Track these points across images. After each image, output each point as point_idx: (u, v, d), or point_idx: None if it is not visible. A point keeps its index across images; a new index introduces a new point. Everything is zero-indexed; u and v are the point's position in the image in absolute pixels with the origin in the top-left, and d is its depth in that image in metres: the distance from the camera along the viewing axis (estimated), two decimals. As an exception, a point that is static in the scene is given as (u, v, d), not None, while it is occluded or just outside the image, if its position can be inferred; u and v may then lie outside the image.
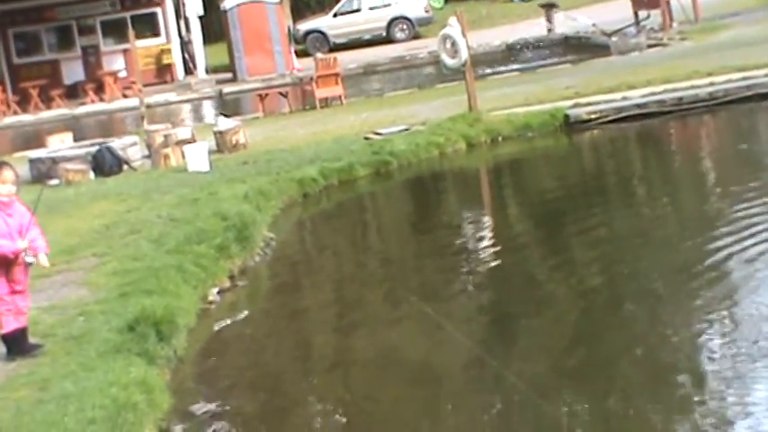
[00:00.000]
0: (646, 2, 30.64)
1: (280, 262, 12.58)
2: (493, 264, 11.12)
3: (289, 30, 37.91)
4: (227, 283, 11.19)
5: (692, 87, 18.65)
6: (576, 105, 18.60)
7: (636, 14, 31.09)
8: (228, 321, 10.16)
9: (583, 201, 13.63)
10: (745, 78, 18.54)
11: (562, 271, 10.62)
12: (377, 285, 11.28)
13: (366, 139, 18.44)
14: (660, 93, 18.69)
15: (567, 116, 18.16)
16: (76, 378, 7.75)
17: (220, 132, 19.55)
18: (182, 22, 39.01)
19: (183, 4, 37.36)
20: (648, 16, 30.47)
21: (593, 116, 18.09)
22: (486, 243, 12.24)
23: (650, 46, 27.27)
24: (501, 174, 17.09)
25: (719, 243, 10.21)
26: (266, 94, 27.07)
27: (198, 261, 11.01)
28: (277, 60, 35.45)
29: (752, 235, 10.24)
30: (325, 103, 25.05)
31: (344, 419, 7.43)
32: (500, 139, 17.89)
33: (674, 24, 29.76)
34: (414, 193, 16.45)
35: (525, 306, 9.61)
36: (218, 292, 10.91)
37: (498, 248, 11.78)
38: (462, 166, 17.42)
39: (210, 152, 18.08)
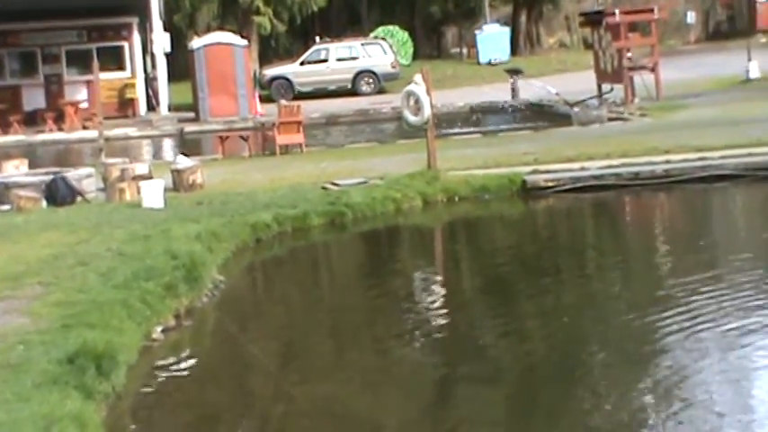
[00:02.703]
0: (609, 75, 31.07)
1: (227, 305, 12.49)
2: (440, 323, 11.13)
3: (255, 74, 38.07)
4: (172, 322, 11.08)
5: (649, 163, 18.85)
6: (534, 172, 18.73)
7: (599, 87, 31.50)
8: (170, 361, 10.05)
9: (533, 267, 13.68)
10: (701, 159, 18.77)
11: (507, 337, 10.62)
12: (323, 335, 11.23)
13: (323, 188, 18.44)
14: (617, 166, 18.87)
15: (524, 182, 18.27)
16: (9, 408, 7.62)
17: (178, 171, 19.47)
18: (148, 58, 39.02)
19: (151, 41, 37.35)
20: (611, 89, 30.88)
21: (550, 183, 18.21)
22: (435, 302, 12.25)
23: (611, 119, 27.59)
24: (455, 234, 17.14)
25: (665, 320, 10.26)
26: (227, 137, 27.03)
27: (144, 298, 10.90)
28: (240, 103, 35.50)
29: (699, 315, 10.31)
30: (286, 150, 25.06)
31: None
32: (457, 199, 17.95)
33: (636, 100, 30.17)
34: (367, 246, 16.44)
35: (468, 369, 9.59)
36: (163, 331, 10.80)
37: (446, 309, 11.79)
38: (417, 223, 17.45)
39: (166, 190, 17.97)
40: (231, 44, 35.77)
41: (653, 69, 30.41)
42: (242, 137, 27.36)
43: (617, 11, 31.75)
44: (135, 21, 38.63)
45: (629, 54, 30.44)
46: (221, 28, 42.64)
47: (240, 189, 18.94)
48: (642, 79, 30.70)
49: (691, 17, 53.37)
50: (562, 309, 11.42)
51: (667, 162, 18.80)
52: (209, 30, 43.08)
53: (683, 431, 7.52)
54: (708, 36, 56.47)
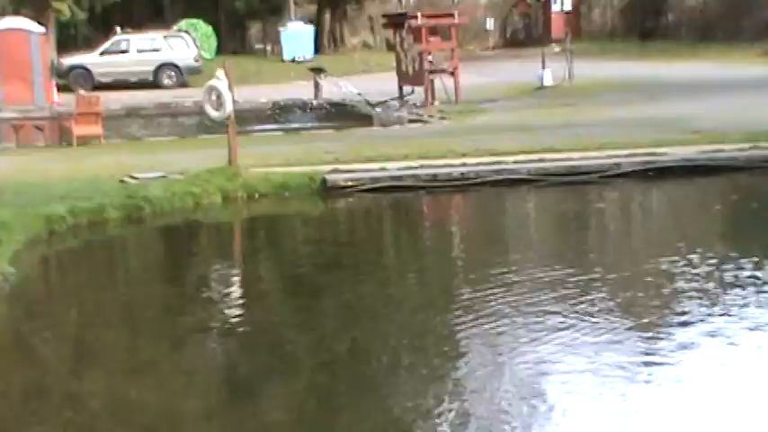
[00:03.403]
0: (411, 77, 31.60)
1: (17, 298, 12.14)
2: (237, 319, 11.13)
3: (52, 62, 36.93)
4: (-44, 317, 10.70)
5: (447, 166, 19.28)
6: (334, 171, 18.88)
7: (400, 89, 32.01)
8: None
9: (331, 265, 13.82)
10: (496, 163, 19.31)
11: (305, 332, 10.72)
12: (117, 331, 11.06)
13: (121, 182, 18.11)
14: (416, 167, 19.23)
15: (324, 180, 18.41)
16: None
17: (-32, 159, 18.77)
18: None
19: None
20: (412, 92, 31.42)
21: (349, 183, 18.40)
22: (232, 298, 12.24)
23: (411, 121, 28.05)
24: (254, 230, 17.14)
25: (457, 318, 10.56)
26: (21, 125, 26.20)
27: (-73, 290, 10.49)
28: (36, 92, 34.36)
29: (490, 314, 10.64)
30: (84, 141, 24.48)
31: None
32: (257, 196, 17.94)
33: (436, 103, 30.78)
34: (165, 240, 16.26)
35: (263, 363, 9.63)
36: (-53, 324, 10.42)
37: (244, 304, 11.81)
38: (216, 219, 17.36)
39: (-45, 179, 17.32)
40: (27, 30, 34.60)
41: (452, 73, 31.09)
42: (37, 126, 26.55)
43: (419, 14, 32.33)
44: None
45: (430, 57, 31.05)
46: (17, 13, 41.23)
47: (34, 180, 18.40)
48: (442, 82, 31.35)
49: (490, 23, 54.86)
50: (359, 305, 11.59)
51: (464, 165, 19.26)
52: (3, 14, 41.60)
53: (470, 425, 7.76)
54: (505, 42, 58.08)
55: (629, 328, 9.97)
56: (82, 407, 8.70)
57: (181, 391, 8.95)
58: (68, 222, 15.40)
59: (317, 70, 36.11)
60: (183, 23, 46.77)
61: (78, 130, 24.46)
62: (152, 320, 11.49)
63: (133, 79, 40.79)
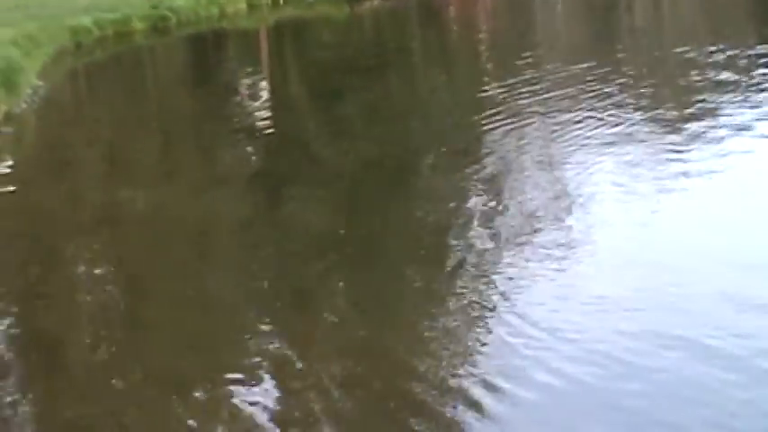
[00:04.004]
0: None
1: (48, 110, 12.21)
2: (268, 126, 11.11)
3: None
4: (-10, 129, 10.82)
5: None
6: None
7: None
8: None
9: (361, 68, 13.75)
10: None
11: (336, 138, 10.69)
12: (148, 139, 11.10)
13: (145, -9, 17.95)
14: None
15: (350, -18, 18.16)
16: None
17: (-11, -27, 18.58)
18: None
19: None
20: None
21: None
22: (262, 105, 12.23)
23: None
24: (281, 36, 17.01)
25: (491, 121, 10.43)
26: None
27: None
28: None
29: (520, 116, 10.55)
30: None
31: (114, 273, 7.33)
32: (281, 2, 17.77)
33: None
34: (191, 49, 16.21)
35: (296, 169, 9.66)
36: (-19, 138, 10.55)
37: (274, 109, 11.80)
38: (242, 26, 17.25)
39: (-22, -7, 17.21)
40: None
41: None
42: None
43: None
44: None
45: None
46: None
47: (57, -8, 18.24)
48: None
49: None
50: (387, 105, 11.55)
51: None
52: None
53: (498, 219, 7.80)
54: None
55: (653, 120, 9.90)
56: (120, 212, 8.79)
57: (213, 195, 9.01)
58: (94, 34, 15.36)
59: None
60: None
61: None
62: (183, 128, 11.52)
63: None
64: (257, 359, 5.23)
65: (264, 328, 5.70)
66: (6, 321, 6.06)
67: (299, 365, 5.11)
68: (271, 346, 5.39)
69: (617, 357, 4.83)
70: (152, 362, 5.25)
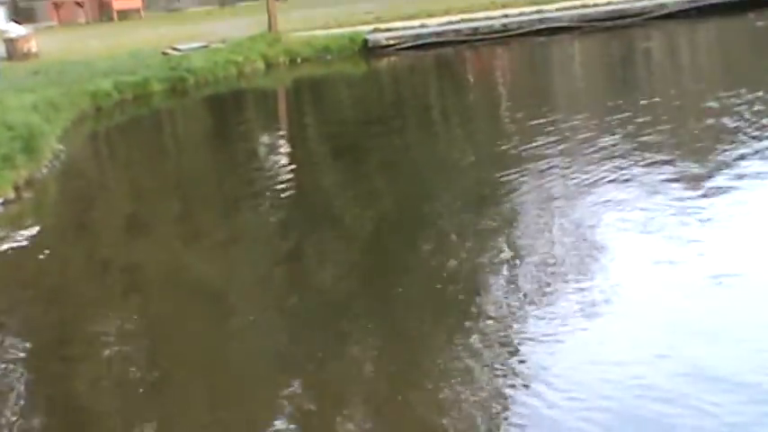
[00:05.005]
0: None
1: (69, 175, 12.30)
2: (289, 185, 11.15)
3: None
4: (11, 194, 10.87)
5: (488, 18, 19.06)
6: (375, 30, 18.75)
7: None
8: (12, 233, 9.88)
9: (379, 124, 13.79)
10: (537, 12, 19.05)
11: (356, 195, 10.70)
12: (169, 202, 11.16)
13: (164, 54, 18.12)
14: (457, 22, 19.03)
15: (366, 41, 18.29)
16: None
17: (11, 40, 18.83)
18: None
19: None
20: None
21: (391, 42, 18.28)
22: (282, 165, 12.26)
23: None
24: (299, 95, 17.11)
25: (511, 176, 10.42)
26: (62, 3, 26.16)
27: (-20, 171, 10.66)
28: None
29: (541, 171, 10.55)
30: (124, 16, 24.41)
31: (139, 336, 7.35)
32: (299, 60, 17.90)
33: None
34: (210, 110, 16.31)
35: (317, 228, 9.67)
36: (2, 203, 10.60)
37: (294, 168, 11.83)
38: (260, 85, 17.36)
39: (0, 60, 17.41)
40: None
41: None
42: (77, 2, 26.50)
43: None
44: None
45: None
46: None
47: (77, 57, 18.46)
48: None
49: None
50: (406, 162, 11.57)
51: (505, 17, 19.03)
52: None
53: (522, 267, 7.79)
54: None
55: (685, 161, 9.87)
56: (139, 275, 8.83)
57: (235, 257, 9.04)
58: (114, 98, 15.50)
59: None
60: None
61: (118, 4, 24.39)
62: (204, 190, 11.57)
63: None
64: (284, 420, 5.23)
65: (291, 390, 5.70)
66: (29, 385, 6.06)
67: (322, 424, 5.10)
68: (297, 405, 5.40)
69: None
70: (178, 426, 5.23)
